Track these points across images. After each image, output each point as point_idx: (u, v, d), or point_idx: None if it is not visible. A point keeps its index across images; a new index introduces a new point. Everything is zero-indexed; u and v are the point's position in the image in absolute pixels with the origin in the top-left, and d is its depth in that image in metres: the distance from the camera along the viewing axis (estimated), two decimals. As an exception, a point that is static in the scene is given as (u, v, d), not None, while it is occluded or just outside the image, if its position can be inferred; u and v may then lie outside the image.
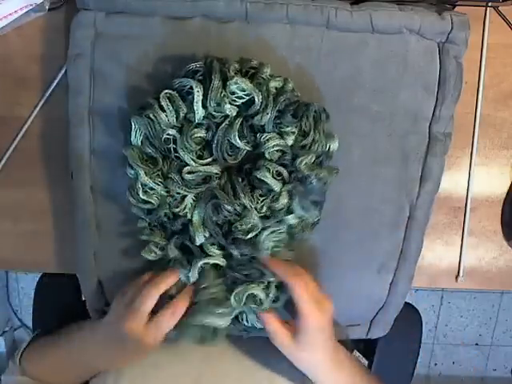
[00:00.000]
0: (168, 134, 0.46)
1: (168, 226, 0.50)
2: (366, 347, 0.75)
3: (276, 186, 0.47)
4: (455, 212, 0.60)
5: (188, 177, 0.47)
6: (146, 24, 0.50)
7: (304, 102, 0.47)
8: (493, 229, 0.61)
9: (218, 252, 0.49)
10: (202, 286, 0.49)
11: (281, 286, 0.50)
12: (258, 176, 0.46)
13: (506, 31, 0.55)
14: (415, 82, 0.52)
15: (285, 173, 0.47)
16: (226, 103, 0.45)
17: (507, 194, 0.60)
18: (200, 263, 0.49)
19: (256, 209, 0.47)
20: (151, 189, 0.48)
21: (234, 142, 0.47)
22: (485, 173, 0.59)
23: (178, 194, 0.48)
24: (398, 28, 0.50)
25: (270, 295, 0.50)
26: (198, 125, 0.47)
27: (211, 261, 0.49)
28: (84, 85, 0.51)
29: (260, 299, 0.49)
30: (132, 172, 0.48)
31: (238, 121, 0.47)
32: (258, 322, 0.52)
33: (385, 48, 0.51)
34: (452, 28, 0.50)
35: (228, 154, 0.48)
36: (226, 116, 0.47)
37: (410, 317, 0.76)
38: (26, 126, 0.55)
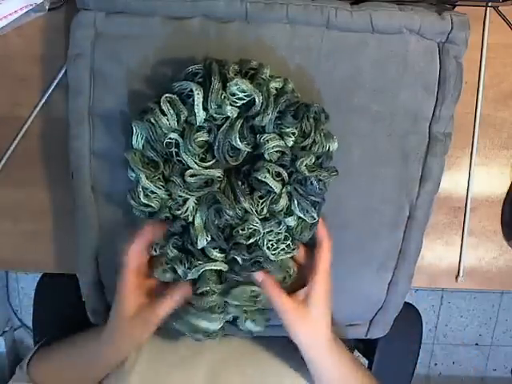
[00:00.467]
0: (170, 138, 0.46)
1: (167, 227, 0.50)
2: (366, 347, 0.75)
3: (276, 187, 0.47)
4: (455, 212, 0.60)
5: (190, 180, 0.47)
6: (146, 24, 0.50)
7: (304, 103, 0.47)
8: (493, 229, 0.61)
9: (219, 255, 0.49)
10: (202, 289, 0.49)
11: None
12: (258, 177, 0.46)
13: (506, 31, 0.55)
14: (415, 82, 0.52)
15: (284, 174, 0.47)
16: (226, 105, 0.45)
17: (507, 194, 0.60)
18: (204, 268, 0.48)
19: (256, 211, 0.47)
20: (152, 192, 0.47)
21: (234, 144, 0.47)
22: (485, 173, 0.59)
23: (180, 197, 0.47)
24: (398, 28, 0.50)
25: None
26: (200, 127, 0.47)
27: (215, 267, 0.49)
28: (84, 85, 0.51)
29: (258, 295, 0.50)
30: (133, 175, 0.48)
31: (239, 122, 0.46)
32: (255, 325, 0.52)
33: (385, 48, 0.51)
34: (452, 28, 0.50)
35: (229, 156, 0.48)
36: (227, 118, 0.47)
37: (409, 317, 0.76)
38: (26, 126, 0.55)
